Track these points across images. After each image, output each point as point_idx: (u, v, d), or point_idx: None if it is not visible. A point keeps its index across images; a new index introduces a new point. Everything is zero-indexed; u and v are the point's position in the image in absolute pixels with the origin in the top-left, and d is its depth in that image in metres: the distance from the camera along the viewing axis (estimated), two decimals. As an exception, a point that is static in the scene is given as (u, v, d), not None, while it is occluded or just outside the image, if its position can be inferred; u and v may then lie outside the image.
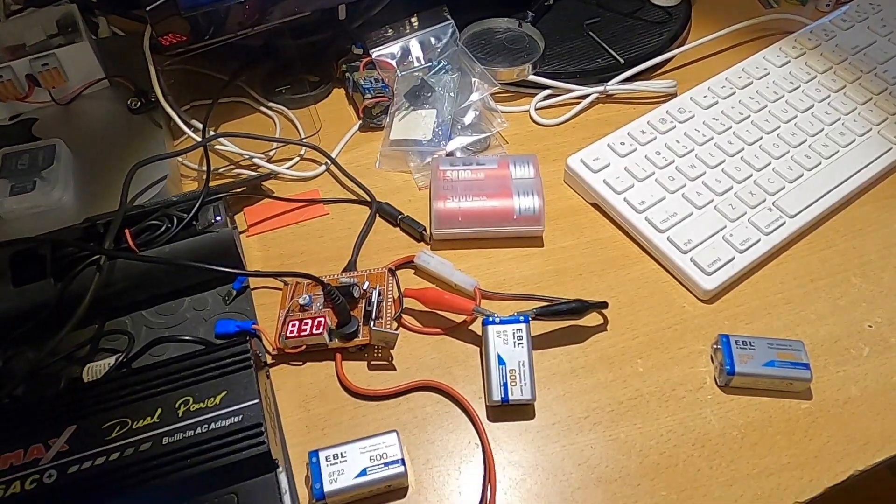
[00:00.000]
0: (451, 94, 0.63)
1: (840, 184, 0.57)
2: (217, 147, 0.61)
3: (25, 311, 0.47)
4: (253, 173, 0.61)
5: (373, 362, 0.49)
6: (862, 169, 0.58)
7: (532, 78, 0.66)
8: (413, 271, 0.54)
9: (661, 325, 0.51)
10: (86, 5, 0.66)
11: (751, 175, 0.57)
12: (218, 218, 0.52)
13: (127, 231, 0.50)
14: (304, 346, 0.48)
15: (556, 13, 0.73)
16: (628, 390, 0.47)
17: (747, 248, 0.53)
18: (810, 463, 0.44)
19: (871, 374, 0.48)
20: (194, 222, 0.52)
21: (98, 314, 0.49)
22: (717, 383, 0.48)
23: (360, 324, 0.49)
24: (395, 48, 0.66)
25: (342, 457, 0.42)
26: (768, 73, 0.65)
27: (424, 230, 0.56)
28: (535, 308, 0.49)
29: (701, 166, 0.58)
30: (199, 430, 0.39)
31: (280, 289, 0.52)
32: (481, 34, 0.70)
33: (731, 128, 0.61)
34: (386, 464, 0.42)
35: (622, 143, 0.59)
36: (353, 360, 0.49)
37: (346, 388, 0.47)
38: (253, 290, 0.52)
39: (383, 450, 0.42)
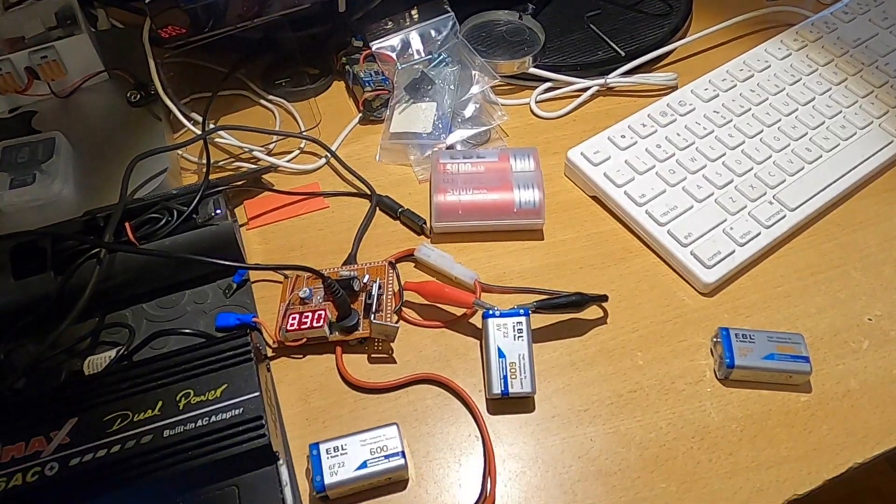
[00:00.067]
0: (452, 86, 0.63)
1: (841, 177, 0.57)
2: (217, 140, 0.61)
3: (26, 305, 0.47)
4: (253, 166, 0.61)
5: (373, 355, 0.49)
6: (863, 162, 0.58)
7: (532, 70, 0.66)
8: (413, 264, 0.54)
9: (661, 318, 0.51)
10: (85, -3, 0.66)
11: (751, 168, 0.57)
12: (218, 211, 0.52)
13: (127, 224, 0.50)
14: (305, 339, 0.48)
15: (556, 5, 0.72)
16: (628, 383, 0.47)
17: (748, 242, 0.53)
18: (809, 456, 0.44)
19: (870, 367, 0.48)
20: (194, 215, 0.52)
21: (98, 307, 0.49)
22: (716, 376, 0.48)
23: (361, 317, 0.49)
24: (395, 41, 0.65)
25: (342, 449, 0.42)
26: (769, 66, 0.65)
27: (424, 223, 0.56)
28: (536, 301, 0.49)
29: (701, 159, 0.58)
30: (199, 423, 0.39)
31: (280, 282, 0.52)
32: (482, 26, 0.70)
33: (731, 121, 0.61)
34: (386, 456, 0.42)
35: (623, 136, 0.59)
36: (354, 353, 0.49)
37: (347, 380, 0.48)
38: (253, 283, 0.52)
39: (384, 442, 0.42)
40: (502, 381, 0.45)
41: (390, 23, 0.67)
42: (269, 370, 0.48)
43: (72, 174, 0.56)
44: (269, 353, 0.49)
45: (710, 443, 0.45)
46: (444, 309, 0.51)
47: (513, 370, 0.45)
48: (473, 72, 0.63)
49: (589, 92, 0.66)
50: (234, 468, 0.39)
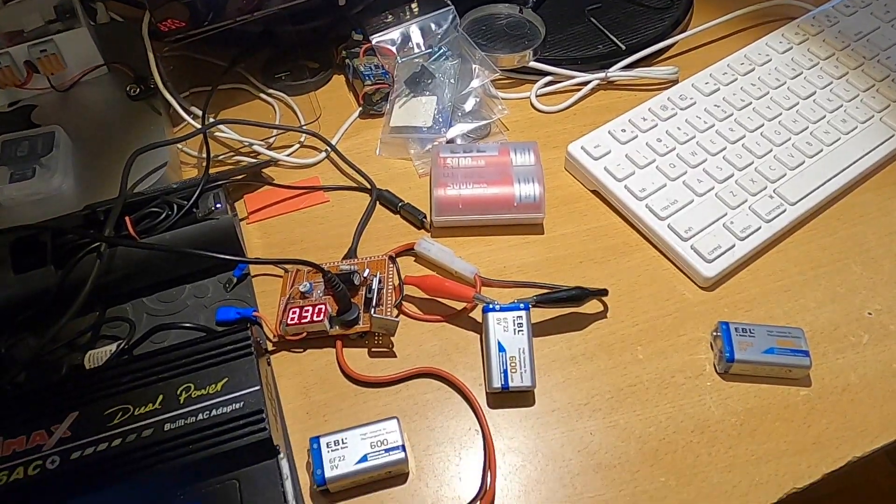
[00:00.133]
0: (452, 80, 0.63)
1: (841, 171, 0.57)
2: (217, 134, 0.61)
3: (26, 299, 0.47)
4: (253, 160, 0.61)
5: (373, 349, 0.49)
6: (863, 156, 0.58)
7: (533, 64, 0.66)
8: (413, 259, 0.54)
9: (661, 312, 0.51)
10: (84, -9, 0.66)
11: (752, 162, 0.57)
12: (218, 205, 0.52)
13: (127, 218, 0.50)
14: (305, 334, 0.48)
15: (557, -1, 0.72)
16: (628, 377, 0.47)
17: (748, 236, 0.53)
18: (808, 449, 0.44)
19: (870, 362, 0.48)
20: (194, 209, 0.52)
21: (99, 301, 0.49)
22: (716, 370, 0.48)
23: (361, 311, 0.49)
24: (395, 34, 0.65)
25: (343, 443, 0.42)
26: (770, 60, 0.65)
27: (425, 217, 0.56)
28: (536, 295, 0.49)
29: (702, 153, 0.58)
30: (200, 417, 0.39)
31: (280, 276, 0.52)
32: (482, 20, 0.69)
33: (732, 115, 0.60)
34: (386, 450, 0.42)
35: (623, 131, 0.59)
36: (354, 347, 0.49)
37: (347, 374, 0.48)
38: (253, 277, 0.52)
39: (384, 436, 0.42)
40: (502, 375, 0.45)
41: (390, 16, 0.66)
42: (269, 364, 0.48)
43: (71, 168, 0.56)
44: (270, 347, 0.49)
45: (709, 437, 0.45)
46: (445, 303, 0.51)
47: (513, 364, 0.46)
48: (474, 65, 0.63)
49: (589, 86, 0.65)
50: (235, 462, 0.39)
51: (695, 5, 0.73)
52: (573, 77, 0.66)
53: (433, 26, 0.66)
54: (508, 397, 0.47)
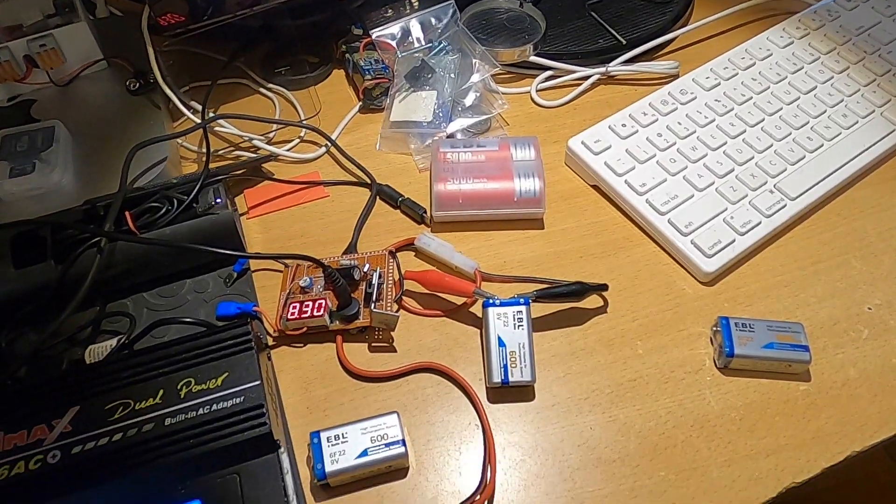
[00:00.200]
0: (452, 75, 0.63)
1: (842, 166, 0.57)
2: (217, 129, 0.61)
3: (27, 294, 0.47)
4: (253, 155, 0.61)
5: (373, 344, 0.49)
6: (864, 151, 0.58)
7: (533, 59, 0.66)
8: (413, 254, 0.54)
9: (661, 307, 0.51)
10: (83, -15, 0.65)
11: (752, 157, 0.57)
12: (218, 200, 0.52)
13: (127, 213, 0.50)
14: (305, 328, 0.48)
15: (557, -7, 0.72)
16: (628, 372, 0.48)
17: (748, 231, 0.53)
18: (808, 444, 0.44)
19: (869, 357, 0.48)
20: (194, 204, 0.52)
21: (99, 296, 0.49)
22: (716, 365, 0.48)
23: (361, 306, 0.49)
24: (395, 29, 0.65)
25: (343, 437, 0.42)
26: (771, 55, 0.65)
27: (425, 212, 0.56)
28: (536, 290, 0.49)
29: (702, 148, 0.58)
30: (201, 412, 0.39)
31: (281, 271, 0.52)
32: (482, 14, 0.69)
33: (732, 109, 0.60)
34: (387, 444, 0.42)
35: (623, 125, 0.59)
36: (354, 341, 0.49)
37: (347, 369, 0.48)
38: (253, 272, 0.52)
39: (384, 430, 0.42)
40: (502, 369, 0.45)
41: (390, 11, 0.66)
42: (269, 359, 0.48)
43: (71, 163, 0.56)
44: (270, 341, 0.49)
45: (709, 431, 0.45)
46: (445, 298, 0.51)
47: (513, 359, 0.46)
48: (474, 60, 0.63)
49: (590, 80, 0.65)
50: (236, 456, 0.39)
51: (695, 0, 0.73)
52: (573, 72, 0.65)
53: (433, 21, 0.66)
54: (508, 392, 0.47)
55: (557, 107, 0.64)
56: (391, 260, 0.52)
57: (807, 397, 0.46)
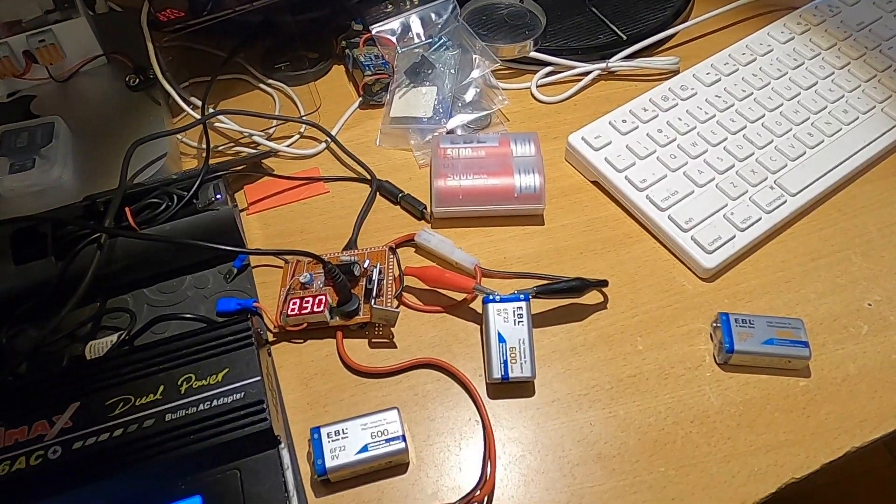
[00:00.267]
0: (452, 70, 0.62)
1: (842, 162, 0.57)
2: (216, 124, 0.61)
3: (27, 290, 0.47)
4: (253, 151, 0.61)
5: (373, 340, 0.49)
6: (864, 147, 0.58)
7: (533, 54, 0.66)
8: (413, 249, 0.54)
9: (661, 303, 0.51)
10: (82, -20, 0.65)
11: (752, 153, 0.57)
12: (218, 196, 0.52)
13: (127, 209, 0.49)
14: (305, 324, 0.48)
15: (558, -12, 0.72)
16: (628, 368, 0.48)
17: (748, 227, 0.53)
18: (807, 440, 0.44)
19: (869, 352, 0.48)
20: (194, 200, 0.52)
21: (99, 292, 0.49)
22: (716, 361, 0.48)
23: (361, 302, 0.49)
24: (395, 24, 0.65)
25: (343, 433, 0.42)
26: (772, 50, 0.65)
27: (425, 208, 0.56)
28: (536, 286, 0.49)
29: (703, 144, 0.58)
30: (201, 407, 0.39)
31: (281, 267, 0.52)
32: (482, 10, 0.69)
33: (733, 105, 0.60)
34: (387, 440, 0.42)
35: (624, 121, 0.59)
36: (354, 337, 0.49)
37: (348, 365, 0.48)
38: (254, 268, 0.52)
39: (384, 426, 0.42)
40: (502, 365, 0.45)
41: (390, 6, 0.66)
42: (270, 355, 0.48)
43: (71, 159, 0.56)
44: (270, 337, 0.49)
45: (708, 427, 0.45)
46: (445, 294, 0.51)
47: (513, 355, 0.46)
48: (474, 56, 0.63)
49: (590, 76, 0.65)
50: (236, 452, 0.39)
51: (696, -5, 0.73)
52: (574, 67, 0.65)
53: (433, 16, 0.66)
54: (508, 388, 0.47)
55: (558, 102, 0.64)
56: (391, 256, 0.52)
57: (806, 393, 0.46)
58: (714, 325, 0.48)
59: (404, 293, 0.51)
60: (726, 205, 0.54)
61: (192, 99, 0.61)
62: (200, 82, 0.65)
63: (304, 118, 0.63)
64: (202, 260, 0.51)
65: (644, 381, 0.47)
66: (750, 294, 0.51)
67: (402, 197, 0.57)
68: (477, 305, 0.50)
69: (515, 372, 0.45)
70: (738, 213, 0.53)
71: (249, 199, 0.58)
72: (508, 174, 0.54)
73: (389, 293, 0.50)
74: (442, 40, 0.64)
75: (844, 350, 0.48)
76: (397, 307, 0.51)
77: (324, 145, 0.61)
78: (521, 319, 0.47)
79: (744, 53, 0.64)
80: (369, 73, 0.63)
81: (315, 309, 0.47)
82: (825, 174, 0.56)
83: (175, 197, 0.51)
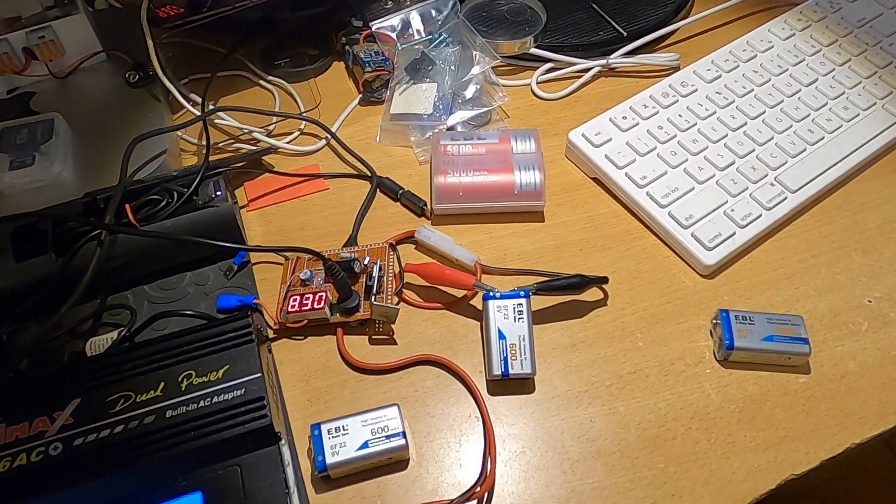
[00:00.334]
0: (452, 67, 0.62)
1: (843, 159, 0.57)
2: (216, 121, 0.61)
3: (28, 287, 0.47)
4: (253, 147, 0.60)
5: (374, 337, 0.49)
6: (865, 143, 0.57)
7: (534, 51, 0.65)
8: (414, 246, 0.54)
9: (662, 300, 0.51)
10: (82, -24, 0.65)
11: (753, 150, 0.57)
12: (218, 192, 0.52)
13: (127, 206, 0.49)
14: (306, 321, 0.48)
15: (558, -16, 0.72)
16: (628, 364, 0.48)
17: (748, 224, 0.53)
18: (807, 436, 0.44)
19: (869, 349, 0.48)
20: (194, 197, 0.52)
21: (100, 289, 0.49)
22: (716, 358, 0.48)
23: (361, 298, 0.49)
24: (395, 20, 0.65)
25: (344, 430, 0.42)
26: (773, 47, 0.65)
27: (425, 205, 0.56)
28: (536, 283, 0.49)
29: (703, 141, 0.57)
30: (202, 404, 0.39)
31: (281, 264, 0.52)
32: (482, 6, 0.69)
33: (734, 102, 0.60)
34: (387, 436, 0.42)
35: (624, 118, 0.59)
36: (355, 334, 0.49)
37: (348, 362, 0.48)
38: (254, 264, 0.52)
39: (385, 423, 0.43)
40: (502, 362, 0.45)
41: (390, 2, 0.66)
42: (270, 351, 0.48)
43: (71, 155, 0.56)
44: (271, 334, 0.49)
45: (708, 423, 0.45)
46: (445, 291, 0.51)
47: (513, 351, 0.46)
48: (474, 52, 0.63)
49: (591, 73, 0.65)
50: (237, 448, 0.39)
51: (697, -9, 0.73)
52: (574, 64, 0.65)
53: (433, 12, 0.66)
54: (508, 384, 0.47)
55: (558, 99, 0.64)
56: (391, 252, 0.52)
57: (806, 390, 0.46)
58: (714, 321, 0.49)
59: (404, 290, 0.51)
60: (727, 201, 0.54)
61: (192, 95, 0.61)
62: (200, 79, 0.65)
63: (304, 115, 0.63)
64: (202, 257, 0.51)
65: (644, 377, 0.47)
66: (750, 291, 0.51)
67: (402, 194, 0.57)
68: (477, 302, 0.50)
69: (515, 368, 0.45)
70: (739, 210, 0.53)
71: (249, 195, 0.58)
72: (509, 171, 0.54)
73: (390, 290, 0.50)
74: (442, 37, 0.64)
75: (844, 347, 0.48)
76: (397, 304, 0.51)
77: (324, 142, 0.61)
78: (521, 316, 0.47)
79: (744, 50, 0.64)
80: (369, 69, 0.63)
81: (315, 306, 0.47)
82: (825, 171, 0.56)
83: (175, 193, 0.51)
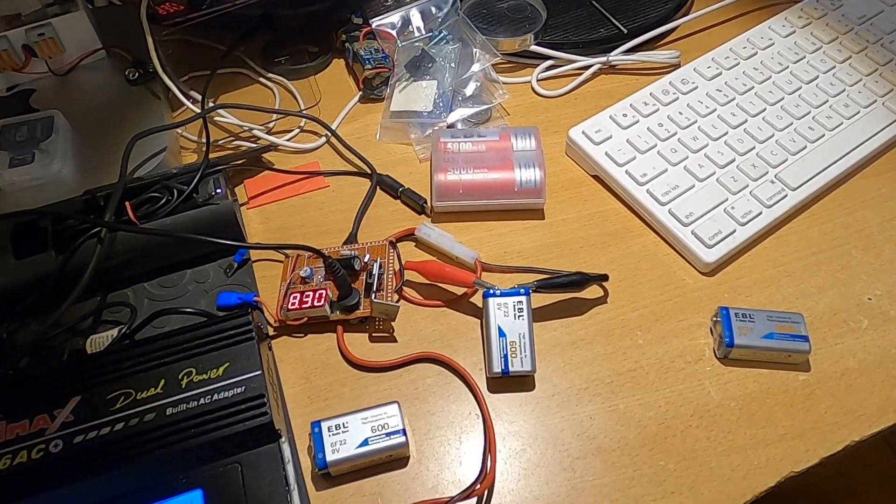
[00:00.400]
0: (452, 64, 0.62)
1: (843, 156, 0.57)
2: (216, 119, 0.61)
3: (28, 284, 0.47)
4: (253, 145, 0.60)
5: (374, 334, 0.49)
6: (866, 141, 0.57)
7: (534, 48, 0.65)
8: (414, 244, 0.54)
9: (662, 297, 0.51)
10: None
11: (753, 147, 0.57)
12: (218, 190, 0.52)
13: (127, 203, 0.49)
14: (306, 319, 0.48)
15: (558, -18, 0.72)
16: (628, 362, 0.48)
17: (749, 221, 0.53)
18: (807, 434, 0.44)
19: (869, 347, 0.48)
20: (194, 194, 0.52)
21: (100, 286, 0.49)
22: (716, 355, 0.48)
23: (362, 296, 0.49)
24: (395, 18, 0.65)
25: (344, 427, 0.42)
26: (773, 44, 0.65)
27: (425, 203, 0.56)
28: (536, 280, 0.49)
29: (703, 138, 0.57)
30: (202, 401, 0.39)
31: (281, 261, 0.52)
32: (483, 3, 0.69)
33: (734, 99, 0.60)
34: (387, 434, 0.42)
35: (624, 115, 0.59)
36: (355, 332, 0.49)
37: (348, 359, 0.48)
38: (254, 262, 0.52)
39: (385, 420, 0.43)
40: (503, 359, 0.45)
41: (390, 0, 0.66)
42: (270, 349, 0.48)
43: (71, 153, 0.56)
44: (271, 332, 0.49)
45: (708, 421, 0.45)
46: (445, 288, 0.51)
47: (513, 349, 0.46)
48: (474, 49, 0.63)
49: (591, 70, 0.65)
50: (237, 446, 0.39)
51: (697, -12, 0.73)
52: (574, 61, 0.65)
53: (433, 10, 0.66)
54: (508, 382, 0.47)
55: (558, 96, 0.64)
56: (391, 250, 0.52)
57: (806, 387, 0.46)
58: (714, 319, 0.49)
59: (405, 287, 0.51)
60: (727, 199, 0.54)
61: (192, 93, 0.61)
62: (200, 76, 0.64)
63: (304, 112, 0.63)
64: (202, 254, 0.51)
65: (644, 375, 0.47)
66: (750, 288, 0.51)
67: (402, 191, 0.57)
68: (477, 300, 0.50)
69: (516, 366, 0.45)
70: (739, 208, 0.53)
71: (249, 193, 0.58)
72: (509, 168, 0.54)
73: (390, 287, 0.50)
74: (442, 34, 0.64)
75: (844, 344, 0.48)
76: (398, 301, 0.51)
77: (324, 139, 0.61)
78: (521, 314, 0.47)
79: (745, 47, 0.64)
80: (369, 66, 0.62)
81: (315, 303, 0.47)
82: (826, 168, 0.56)
83: (175, 191, 0.51)
